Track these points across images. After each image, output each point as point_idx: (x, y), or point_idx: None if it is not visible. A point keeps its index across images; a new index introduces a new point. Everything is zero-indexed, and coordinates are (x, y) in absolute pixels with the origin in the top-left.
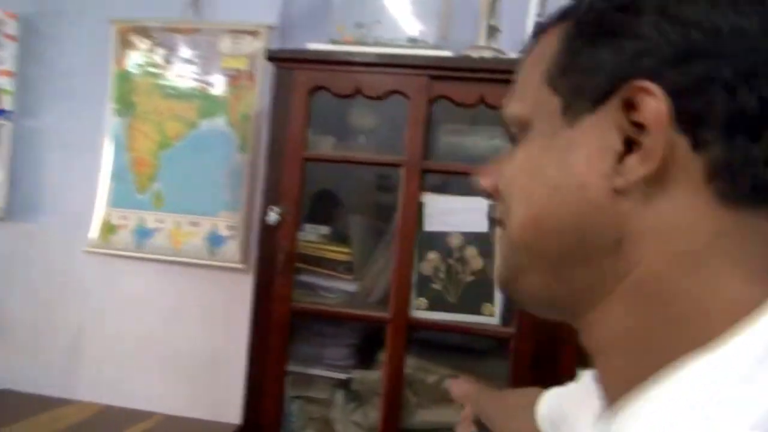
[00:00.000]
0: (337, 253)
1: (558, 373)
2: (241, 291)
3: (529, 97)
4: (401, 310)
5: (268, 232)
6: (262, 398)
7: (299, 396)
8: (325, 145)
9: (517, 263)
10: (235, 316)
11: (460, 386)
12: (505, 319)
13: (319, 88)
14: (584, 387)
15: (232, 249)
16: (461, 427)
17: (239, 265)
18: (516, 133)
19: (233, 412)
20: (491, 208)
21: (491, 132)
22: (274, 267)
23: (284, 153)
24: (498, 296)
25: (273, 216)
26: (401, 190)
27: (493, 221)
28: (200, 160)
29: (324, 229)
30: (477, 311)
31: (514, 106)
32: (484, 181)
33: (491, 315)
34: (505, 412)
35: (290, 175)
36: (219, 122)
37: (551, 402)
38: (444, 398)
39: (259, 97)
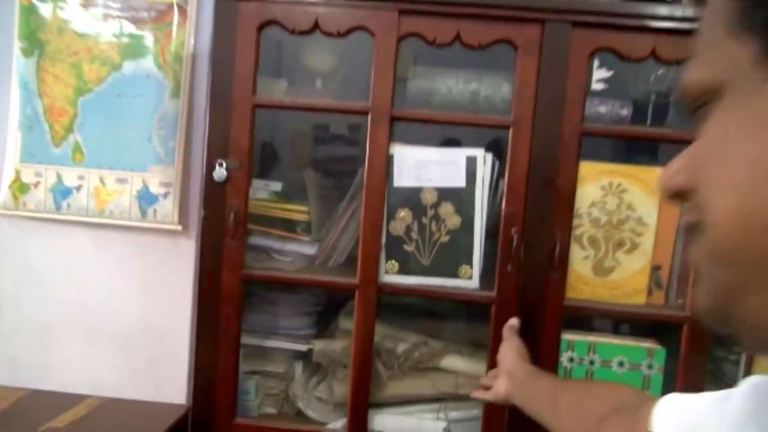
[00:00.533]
0: (293, 212)
1: (541, 342)
2: (180, 256)
3: (713, 57)
4: (370, 275)
5: (214, 190)
6: (213, 376)
7: (255, 371)
8: (276, 90)
9: (729, 280)
10: (174, 284)
11: (507, 356)
12: (485, 282)
13: (269, 22)
14: (753, 399)
15: (166, 208)
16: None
17: (176, 227)
18: (702, 107)
19: (178, 391)
20: (682, 214)
21: (469, 75)
22: (223, 229)
23: (231, 99)
24: (477, 257)
25: (220, 171)
26: (368, 140)
27: (690, 229)
28: (126, 107)
29: (276, 185)
30: (453, 274)
31: (695, 73)
32: (673, 179)
33: (469, 278)
34: (560, 411)
35: (239, 124)
36: (146, 64)
37: (684, 414)
38: (417, 368)
39: (193, 33)
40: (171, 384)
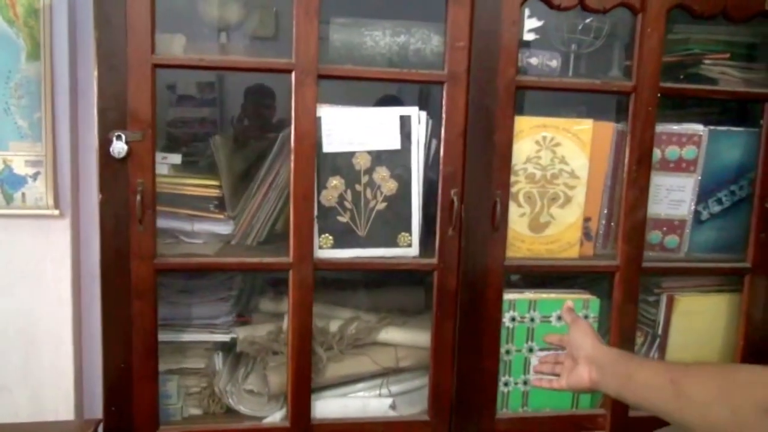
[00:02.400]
0: (201, 187)
1: (485, 305)
2: (55, 245)
3: None
4: (305, 252)
5: (111, 168)
6: (127, 382)
7: (171, 370)
8: (172, 47)
9: None
10: (49, 279)
11: (583, 341)
12: (424, 248)
13: None
14: None
15: (37, 191)
16: None
17: (51, 212)
18: None
19: (63, 403)
20: None
21: (396, 25)
22: (127, 213)
23: (125, 59)
24: (416, 223)
25: (119, 145)
26: (293, 101)
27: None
28: None
29: (175, 158)
30: (392, 243)
31: None
32: None
33: (408, 246)
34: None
35: (137, 89)
36: None
37: None
38: (355, 345)
39: None
40: (52, 396)
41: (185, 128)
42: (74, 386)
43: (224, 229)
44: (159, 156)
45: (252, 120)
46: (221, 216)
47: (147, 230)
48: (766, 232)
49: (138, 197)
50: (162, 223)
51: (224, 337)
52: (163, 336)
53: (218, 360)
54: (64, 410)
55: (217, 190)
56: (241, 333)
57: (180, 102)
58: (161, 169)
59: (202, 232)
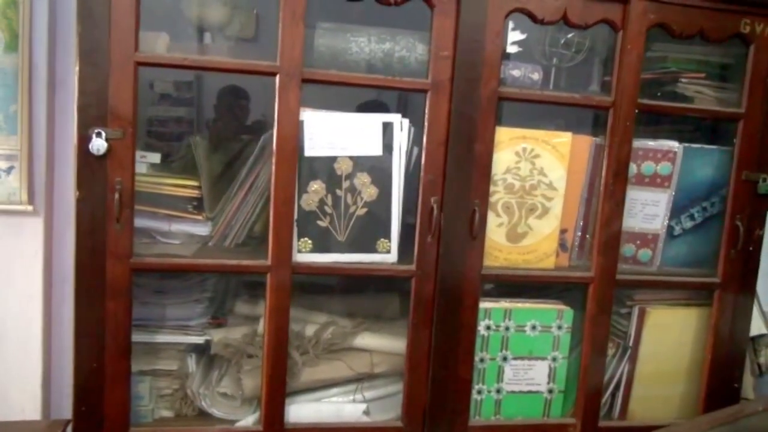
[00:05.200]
0: (180, 187)
1: (461, 313)
2: (25, 241)
3: None
4: (284, 256)
5: (90, 165)
6: (99, 382)
7: (143, 371)
8: (156, 46)
9: None
10: (17, 276)
11: None
12: (403, 254)
13: None
14: None
15: (11, 186)
16: None
17: (24, 207)
18: None
19: (30, 402)
20: None
21: (381, 33)
22: (104, 212)
23: (108, 55)
24: (395, 229)
25: (98, 142)
26: (276, 105)
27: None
28: None
29: (154, 157)
30: (371, 249)
31: None
32: None
33: (387, 251)
34: None
35: (119, 86)
36: None
37: None
38: (330, 350)
39: None
40: (18, 395)
41: (163, 127)
42: (42, 385)
43: (202, 230)
44: (138, 154)
45: (226, 121)
46: (199, 217)
47: (124, 229)
48: (736, 248)
49: (116, 196)
50: (139, 222)
51: (198, 339)
52: (136, 336)
53: (191, 362)
54: (30, 410)
55: (196, 191)
56: (216, 335)
57: (158, 100)
58: (140, 167)
59: (180, 233)
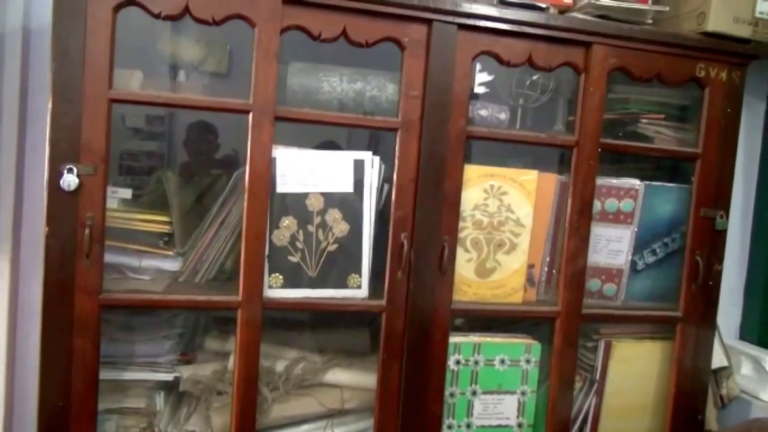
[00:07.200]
0: (151, 222)
1: (431, 347)
2: None
3: None
4: (255, 291)
5: (61, 201)
6: (64, 422)
7: (109, 410)
8: (129, 83)
9: None
10: None
11: None
12: (373, 290)
13: (128, 2)
14: None
15: None
16: None
17: None
18: None
19: None
20: None
21: (353, 72)
22: (74, 247)
23: (81, 92)
24: (366, 265)
25: (70, 178)
26: (249, 142)
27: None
28: None
29: (126, 193)
30: (342, 284)
31: None
32: None
33: (358, 287)
34: None
35: (92, 122)
36: None
37: None
38: (301, 386)
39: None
40: None
41: (135, 161)
42: (3, 425)
43: (172, 265)
44: (109, 190)
45: (196, 155)
46: (170, 252)
47: (94, 265)
48: (696, 283)
49: (87, 231)
50: (109, 257)
51: (167, 376)
52: (103, 374)
53: (159, 399)
54: None
55: (167, 226)
56: (185, 372)
57: (130, 135)
58: (111, 202)
59: (150, 268)
